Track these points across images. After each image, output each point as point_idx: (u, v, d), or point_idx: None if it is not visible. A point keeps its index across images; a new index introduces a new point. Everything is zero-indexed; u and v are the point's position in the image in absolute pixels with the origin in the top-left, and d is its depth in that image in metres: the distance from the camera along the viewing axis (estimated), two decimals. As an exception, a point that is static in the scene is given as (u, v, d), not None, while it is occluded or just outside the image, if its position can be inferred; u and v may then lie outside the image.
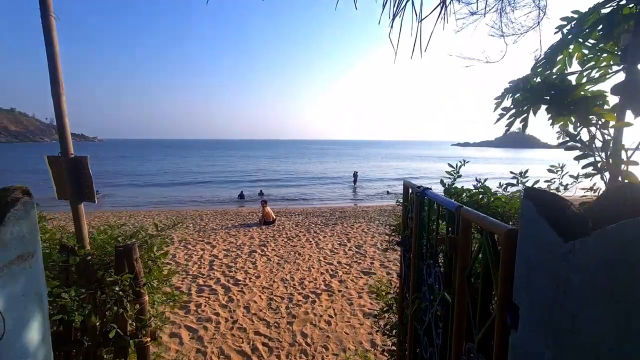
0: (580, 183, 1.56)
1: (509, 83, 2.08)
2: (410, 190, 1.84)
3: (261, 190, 22.39)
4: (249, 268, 6.37)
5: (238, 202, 20.02)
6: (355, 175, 29.95)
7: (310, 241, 8.62)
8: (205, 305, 4.63)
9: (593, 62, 1.17)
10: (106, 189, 23.68)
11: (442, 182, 2.01)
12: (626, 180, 0.87)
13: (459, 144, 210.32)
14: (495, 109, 2.20)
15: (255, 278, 5.78)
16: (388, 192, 23.74)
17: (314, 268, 6.38)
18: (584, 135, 1.02)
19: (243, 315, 4.36)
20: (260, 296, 5.00)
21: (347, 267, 6.46)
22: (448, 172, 2.06)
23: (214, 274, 6.00)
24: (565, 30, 1.16)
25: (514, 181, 2.04)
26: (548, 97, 1.12)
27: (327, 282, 5.64)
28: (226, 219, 12.26)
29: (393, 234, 2.74)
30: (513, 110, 1.96)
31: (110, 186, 26.14)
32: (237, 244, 8.30)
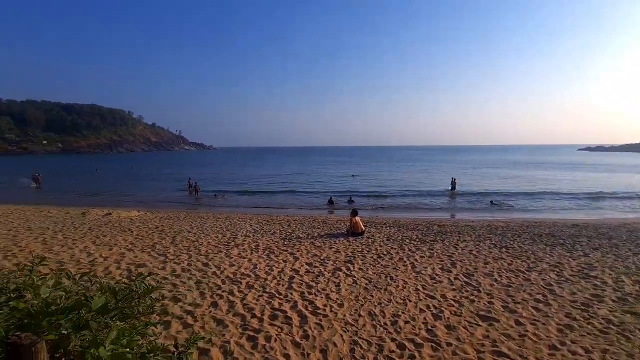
0: None
1: None
2: None
3: (351, 197, 21.58)
4: (332, 292, 5.43)
5: (327, 209, 19.60)
6: (453, 183, 26.77)
7: (405, 262, 7.26)
8: (275, 340, 3.84)
9: None
10: (222, 193, 26.08)
11: None
12: None
13: (588, 149, 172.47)
14: None
15: (337, 307, 4.80)
16: (492, 203, 20.24)
17: (410, 301, 5.07)
18: None
19: (319, 364, 3.40)
20: (341, 336, 3.98)
21: (456, 306, 4.94)
22: None
23: (292, 294, 5.25)
24: None
25: None
26: None
27: (429, 326, 4.28)
28: (313, 227, 11.72)
29: None
30: None
31: (216, 190, 28.85)
32: (322, 258, 7.50)
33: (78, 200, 23.31)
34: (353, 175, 41.09)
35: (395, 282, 5.94)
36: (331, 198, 21.02)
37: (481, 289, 5.65)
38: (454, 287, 5.74)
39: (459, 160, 78.41)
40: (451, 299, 5.18)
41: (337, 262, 7.18)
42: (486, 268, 6.89)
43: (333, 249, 8.41)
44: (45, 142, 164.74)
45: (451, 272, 6.59)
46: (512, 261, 7.45)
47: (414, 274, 6.43)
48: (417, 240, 9.60)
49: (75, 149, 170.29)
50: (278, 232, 10.74)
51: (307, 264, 7.06)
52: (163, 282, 5.70)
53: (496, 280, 6.12)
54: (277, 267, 6.73)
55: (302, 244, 8.99)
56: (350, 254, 7.89)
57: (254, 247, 8.55)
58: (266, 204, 21.75)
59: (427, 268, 6.80)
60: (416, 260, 7.43)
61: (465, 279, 6.15)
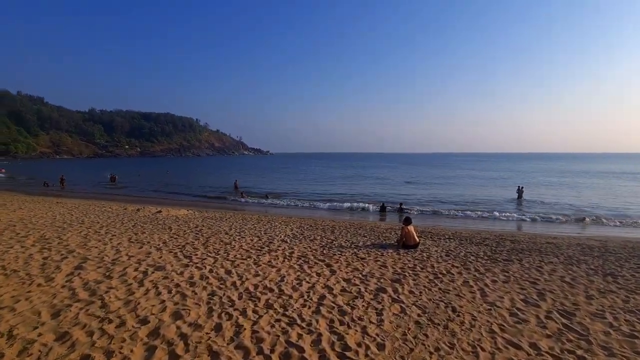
0: None
1: None
2: None
3: (401, 204, 19.71)
4: (371, 322, 4.11)
5: (377, 215, 18.09)
6: (519, 190, 23.45)
7: (471, 286, 5.63)
8: (279, 398, 2.69)
9: None
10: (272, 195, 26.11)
11: None
12: None
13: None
14: None
15: (376, 349, 3.48)
16: (584, 220, 16.70)
17: (484, 350, 3.55)
18: None
19: None
20: (377, 401, 2.69)
21: (556, 364, 3.31)
22: None
23: (317, 322, 4.06)
24: None
25: None
26: None
27: (517, 399, 2.78)
28: (359, 234, 10.42)
29: None
30: None
31: (268, 191, 28.86)
32: (364, 273, 6.19)
33: (143, 197, 24.86)
34: (408, 182, 38.59)
35: (458, 315, 4.41)
36: (383, 204, 19.43)
37: (591, 338, 3.88)
38: (547, 331, 4.05)
39: (525, 169, 70.13)
40: (547, 352, 3.54)
41: (382, 280, 5.81)
42: (590, 304, 4.98)
43: (379, 262, 7.04)
44: (127, 147, 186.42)
45: (539, 306, 4.83)
46: (627, 296, 5.40)
47: (485, 305, 4.82)
48: (485, 257, 7.77)
49: (151, 153, 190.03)
50: (318, 238, 9.65)
51: (344, 279, 5.81)
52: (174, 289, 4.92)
53: (611, 326, 4.25)
54: (307, 282, 5.59)
55: (343, 253, 7.75)
56: (400, 270, 6.46)
57: (287, 254, 7.54)
58: (312, 207, 20.91)
59: (503, 298, 5.12)
60: (486, 285, 5.74)
61: (564, 320, 4.38)
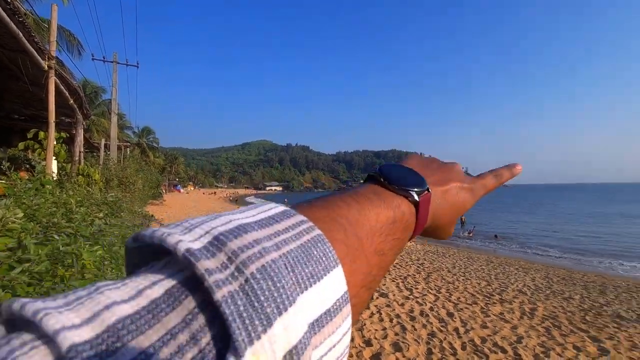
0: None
1: None
2: None
3: None
4: None
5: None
6: None
7: None
8: None
9: None
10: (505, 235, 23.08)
11: None
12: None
13: None
14: None
15: None
16: None
17: None
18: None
19: None
20: None
21: None
22: None
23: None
24: None
25: None
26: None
27: None
28: (653, 305, 7.03)
29: None
30: None
31: (498, 231, 25.34)
32: (667, 369, 4.01)
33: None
34: None
35: None
36: None
37: None
38: None
39: None
40: None
41: None
42: None
43: (702, 359, 4.36)
44: (362, 181, 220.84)
45: None
46: None
47: None
48: None
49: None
50: (577, 297, 7.28)
51: (626, 368, 3.98)
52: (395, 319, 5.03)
53: None
54: (558, 354, 4.21)
55: (623, 328, 5.39)
56: None
57: (527, 310, 6.08)
58: (568, 256, 16.18)
59: None
60: None
61: None
